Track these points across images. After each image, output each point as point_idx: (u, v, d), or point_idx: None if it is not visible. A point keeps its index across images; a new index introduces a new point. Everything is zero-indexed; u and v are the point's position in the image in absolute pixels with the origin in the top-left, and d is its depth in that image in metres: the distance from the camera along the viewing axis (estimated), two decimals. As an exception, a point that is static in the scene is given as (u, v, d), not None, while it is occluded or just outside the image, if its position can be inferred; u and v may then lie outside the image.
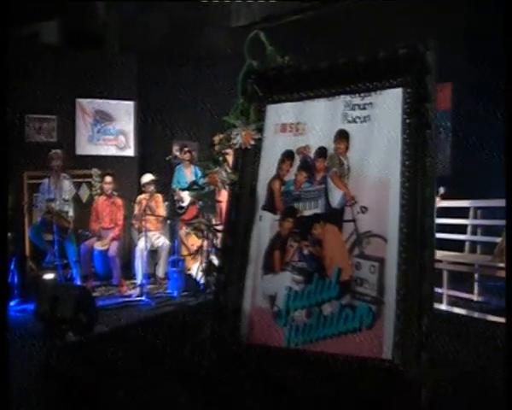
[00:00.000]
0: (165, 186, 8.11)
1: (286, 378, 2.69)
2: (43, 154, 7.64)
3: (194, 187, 7.94)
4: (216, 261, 6.61)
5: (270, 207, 3.04)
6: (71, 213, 7.60)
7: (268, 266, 2.96)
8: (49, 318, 5.29)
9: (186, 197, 8.08)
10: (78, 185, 8.10)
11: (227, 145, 2.98)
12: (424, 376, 2.45)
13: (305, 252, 2.89)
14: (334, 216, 2.87)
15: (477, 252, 6.71)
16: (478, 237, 6.63)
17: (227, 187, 3.02)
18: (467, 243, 6.77)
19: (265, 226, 3.01)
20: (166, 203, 8.11)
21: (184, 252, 7.82)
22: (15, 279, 7.24)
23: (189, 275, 7.45)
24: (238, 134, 2.98)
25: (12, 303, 6.94)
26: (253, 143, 3.02)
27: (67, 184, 7.68)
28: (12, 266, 7.47)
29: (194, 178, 8.13)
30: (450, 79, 7.35)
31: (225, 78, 8.42)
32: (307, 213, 2.95)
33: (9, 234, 7.63)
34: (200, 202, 8.20)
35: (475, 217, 6.70)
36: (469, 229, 6.73)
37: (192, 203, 8.10)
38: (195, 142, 8.84)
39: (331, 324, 2.75)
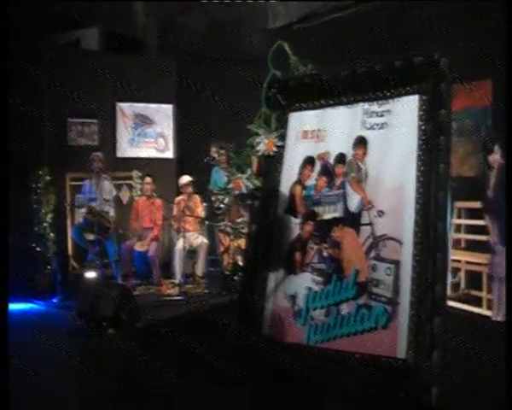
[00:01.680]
0: (203, 187, 8.30)
1: (304, 374, 2.89)
2: (84, 156, 7.91)
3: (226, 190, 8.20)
4: (241, 262, 6.76)
5: (291, 210, 3.25)
6: (112, 214, 7.86)
7: (289, 268, 3.18)
8: (90, 315, 5.52)
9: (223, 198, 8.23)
10: (118, 187, 8.38)
11: (251, 152, 3.20)
12: (435, 375, 2.61)
13: (325, 254, 3.10)
14: (352, 220, 3.07)
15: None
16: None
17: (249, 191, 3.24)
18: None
19: (287, 229, 3.23)
20: (204, 204, 8.30)
21: (222, 252, 7.99)
22: (58, 277, 7.53)
23: (226, 275, 7.61)
24: (261, 142, 3.20)
25: (54, 300, 7.23)
26: (275, 149, 3.24)
27: (108, 185, 7.92)
28: (55, 265, 7.83)
29: (230, 180, 8.32)
30: (491, 76, 7.35)
31: (263, 79, 8.57)
32: (327, 216, 3.16)
33: (52, 234, 8.00)
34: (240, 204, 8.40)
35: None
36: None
37: (230, 204, 8.27)
38: (233, 144, 8.97)
39: (348, 323, 2.95)
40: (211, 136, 9.13)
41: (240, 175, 3.15)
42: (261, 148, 3.20)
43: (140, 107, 8.85)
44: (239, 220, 8.12)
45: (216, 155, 8.51)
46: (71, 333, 5.43)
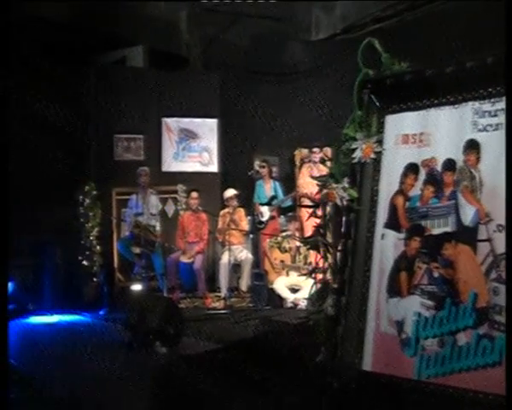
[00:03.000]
0: (247, 201, 7.88)
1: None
2: (130, 171, 7.62)
3: (274, 202, 7.83)
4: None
5: (393, 224, 2.68)
6: (158, 228, 7.50)
7: (393, 289, 2.60)
8: (137, 327, 5.21)
9: (266, 212, 7.86)
10: (164, 201, 8.01)
11: (345, 160, 2.65)
12: None
13: (436, 274, 2.51)
14: (467, 235, 2.48)
15: None
16: None
17: (345, 203, 2.68)
18: None
19: (389, 245, 2.66)
20: (249, 218, 7.89)
21: (267, 265, 7.57)
22: (104, 290, 7.27)
23: (271, 289, 7.20)
24: (358, 147, 2.64)
25: (101, 312, 6.96)
26: (373, 156, 2.68)
27: (154, 200, 7.61)
28: (101, 278, 7.53)
29: (273, 193, 7.94)
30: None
31: (306, 92, 8.15)
32: (436, 231, 2.57)
33: (98, 247, 7.71)
34: (282, 217, 7.98)
35: None
36: None
37: (272, 218, 7.89)
38: (277, 157, 8.62)
39: (467, 356, 2.36)
40: (254, 149, 8.72)
41: (334, 185, 2.58)
42: (358, 154, 2.62)
43: (185, 121, 8.49)
44: (283, 234, 7.70)
45: (259, 169, 8.09)
46: (118, 345, 5.20)
